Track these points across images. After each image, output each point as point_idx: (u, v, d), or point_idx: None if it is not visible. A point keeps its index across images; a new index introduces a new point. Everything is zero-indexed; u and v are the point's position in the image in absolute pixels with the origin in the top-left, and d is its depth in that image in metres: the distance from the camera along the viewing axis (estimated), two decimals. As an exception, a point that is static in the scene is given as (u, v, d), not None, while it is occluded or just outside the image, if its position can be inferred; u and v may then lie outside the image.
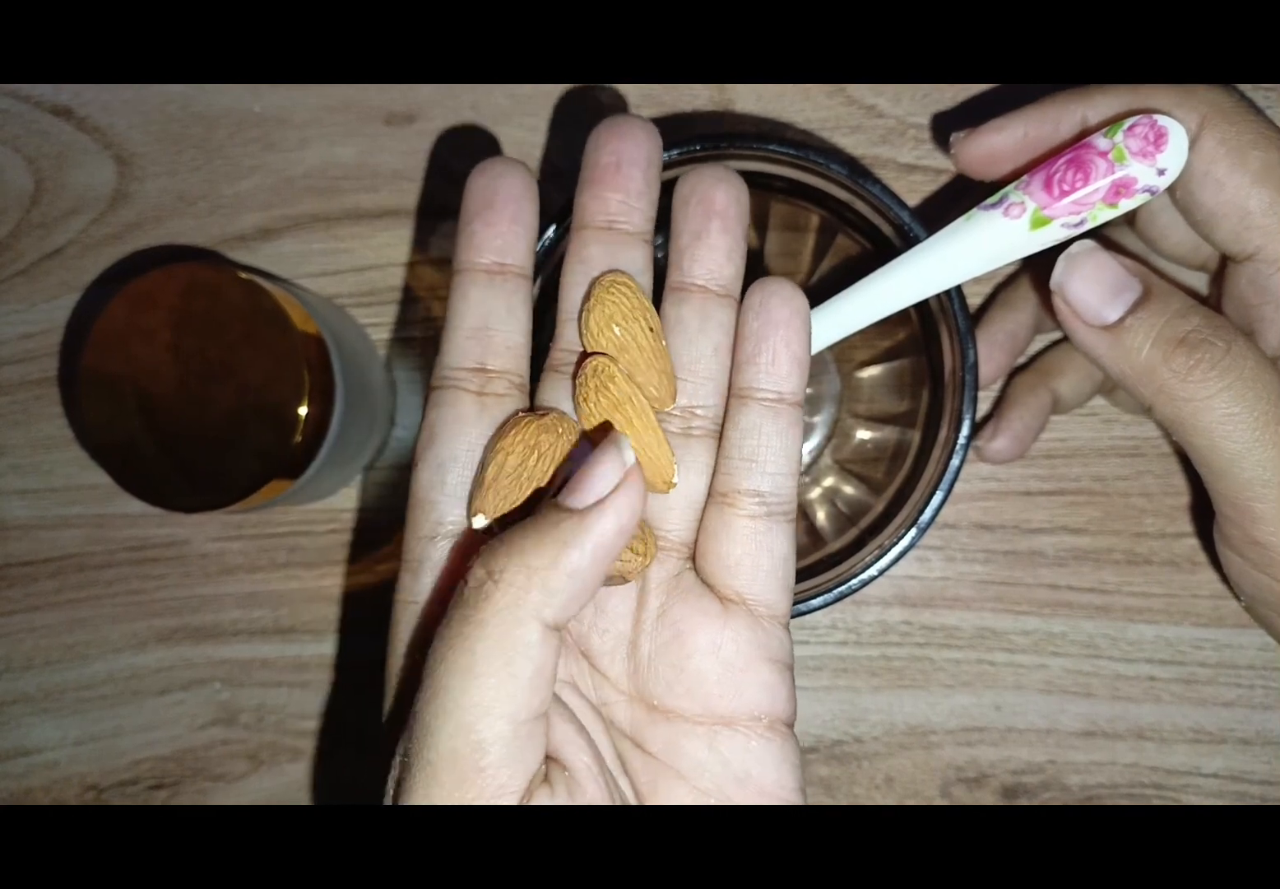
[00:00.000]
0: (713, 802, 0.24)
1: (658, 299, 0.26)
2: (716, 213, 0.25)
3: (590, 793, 0.23)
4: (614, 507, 0.22)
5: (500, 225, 0.25)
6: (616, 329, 0.25)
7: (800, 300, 0.25)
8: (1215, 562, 0.32)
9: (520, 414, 0.25)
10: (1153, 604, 0.36)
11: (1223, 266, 0.29)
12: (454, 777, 0.21)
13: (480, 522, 0.24)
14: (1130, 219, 0.31)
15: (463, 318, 0.25)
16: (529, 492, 0.24)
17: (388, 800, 0.22)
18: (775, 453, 0.25)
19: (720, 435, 0.25)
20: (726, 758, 0.24)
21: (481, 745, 0.21)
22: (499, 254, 0.25)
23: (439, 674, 0.22)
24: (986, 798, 0.36)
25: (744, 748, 0.24)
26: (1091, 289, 0.27)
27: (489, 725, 0.21)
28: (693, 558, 0.26)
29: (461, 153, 0.37)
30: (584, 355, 0.25)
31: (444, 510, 0.25)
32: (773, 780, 0.24)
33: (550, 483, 0.24)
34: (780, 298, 0.25)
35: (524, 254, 0.25)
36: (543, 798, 0.22)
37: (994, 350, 0.33)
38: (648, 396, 0.25)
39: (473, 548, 0.24)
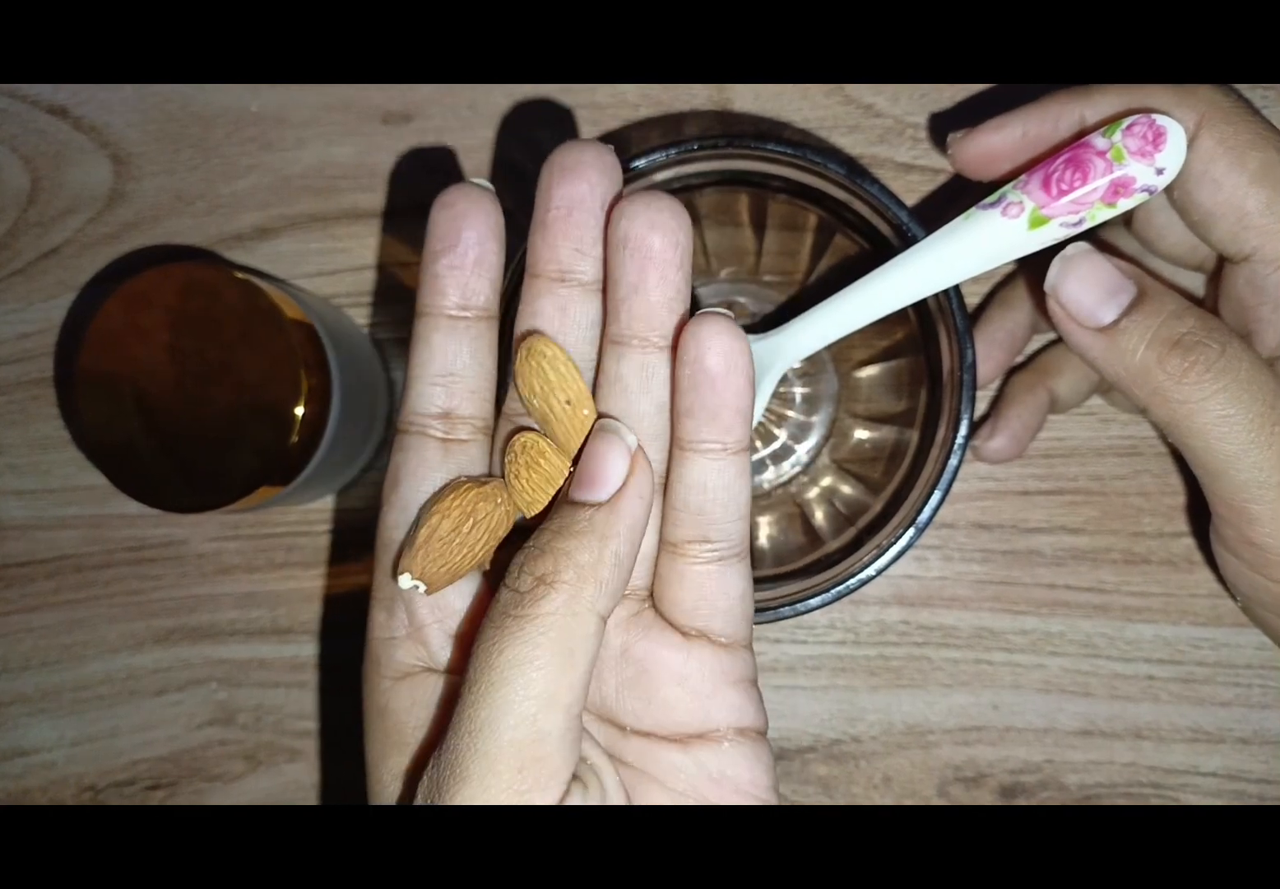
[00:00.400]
0: (690, 802, 0.24)
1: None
2: (653, 262, 0.23)
3: (608, 786, 0.24)
4: (635, 490, 0.23)
5: (465, 268, 0.24)
6: (536, 401, 0.24)
7: (738, 348, 0.23)
8: (1212, 562, 0.32)
9: (462, 478, 0.24)
10: (1151, 603, 0.36)
11: (1220, 267, 0.29)
12: (513, 765, 0.22)
13: (406, 581, 0.24)
14: (1127, 220, 0.31)
15: (426, 364, 0.25)
16: (458, 557, 0.24)
17: (422, 801, 0.22)
18: (723, 505, 0.24)
19: (664, 485, 0.25)
20: (701, 761, 0.25)
21: (542, 735, 0.22)
22: (463, 297, 0.25)
23: (499, 667, 0.22)
24: (984, 797, 0.36)
25: (717, 751, 0.25)
26: (1086, 291, 0.27)
27: (550, 716, 0.22)
28: (650, 598, 0.26)
29: (459, 153, 0.37)
30: (513, 431, 0.25)
31: (404, 555, 0.25)
32: (747, 779, 0.25)
33: (484, 551, 0.25)
34: (716, 351, 0.23)
35: (489, 296, 0.25)
36: (576, 790, 0.23)
37: (992, 350, 0.33)
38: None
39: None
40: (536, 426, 0.25)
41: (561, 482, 0.24)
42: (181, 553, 0.37)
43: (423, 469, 0.25)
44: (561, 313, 0.25)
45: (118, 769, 0.38)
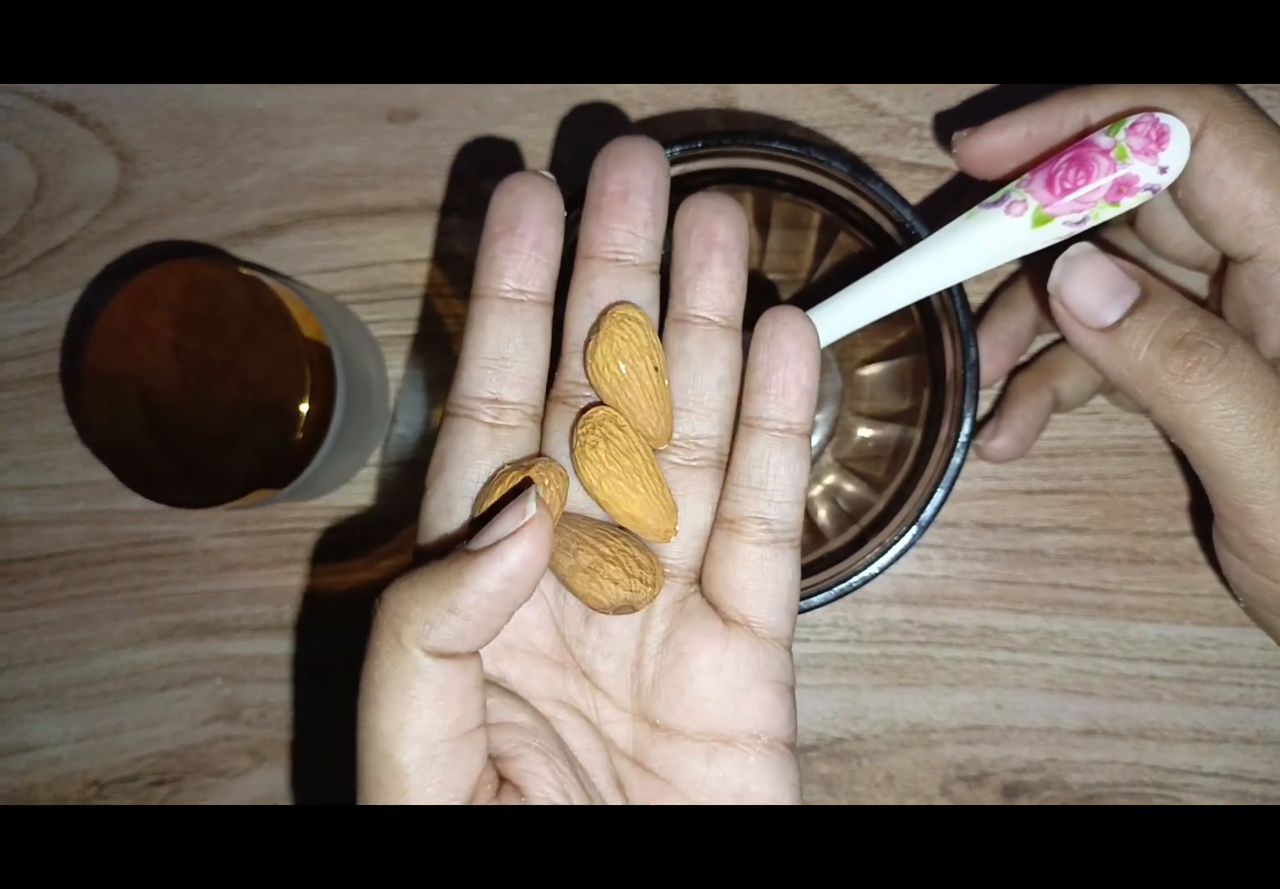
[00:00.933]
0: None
1: (661, 325, 0.26)
2: (718, 245, 0.25)
3: (599, 786, 0.24)
4: (502, 552, 0.22)
5: (522, 251, 0.25)
6: (622, 366, 0.25)
7: (809, 332, 0.25)
8: (1215, 562, 0.32)
9: (506, 467, 0.25)
10: (1154, 603, 0.36)
11: (1224, 267, 0.29)
12: (390, 797, 0.23)
13: None
14: (1131, 220, 0.31)
15: (479, 347, 0.25)
16: None
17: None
18: (782, 482, 0.25)
19: (727, 463, 0.26)
20: (724, 773, 0.25)
21: (400, 771, 0.23)
22: (519, 281, 0.25)
23: (358, 709, 0.23)
24: (987, 796, 0.36)
25: (742, 764, 0.25)
26: (1089, 291, 0.27)
27: (403, 750, 0.23)
28: (698, 581, 0.26)
29: (464, 151, 0.37)
30: (585, 407, 0.26)
31: (443, 537, 0.25)
32: (769, 796, 0.25)
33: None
34: (790, 330, 0.25)
35: (545, 282, 0.25)
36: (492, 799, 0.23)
37: (996, 350, 0.33)
38: (645, 435, 0.25)
39: None
40: (596, 402, 0.26)
41: (635, 456, 0.25)
42: (186, 549, 0.38)
43: (469, 455, 0.25)
44: (618, 291, 0.25)
45: (122, 765, 0.38)
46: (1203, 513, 0.36)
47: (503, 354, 0.25)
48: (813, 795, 0.37)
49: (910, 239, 0.28)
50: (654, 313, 0.26)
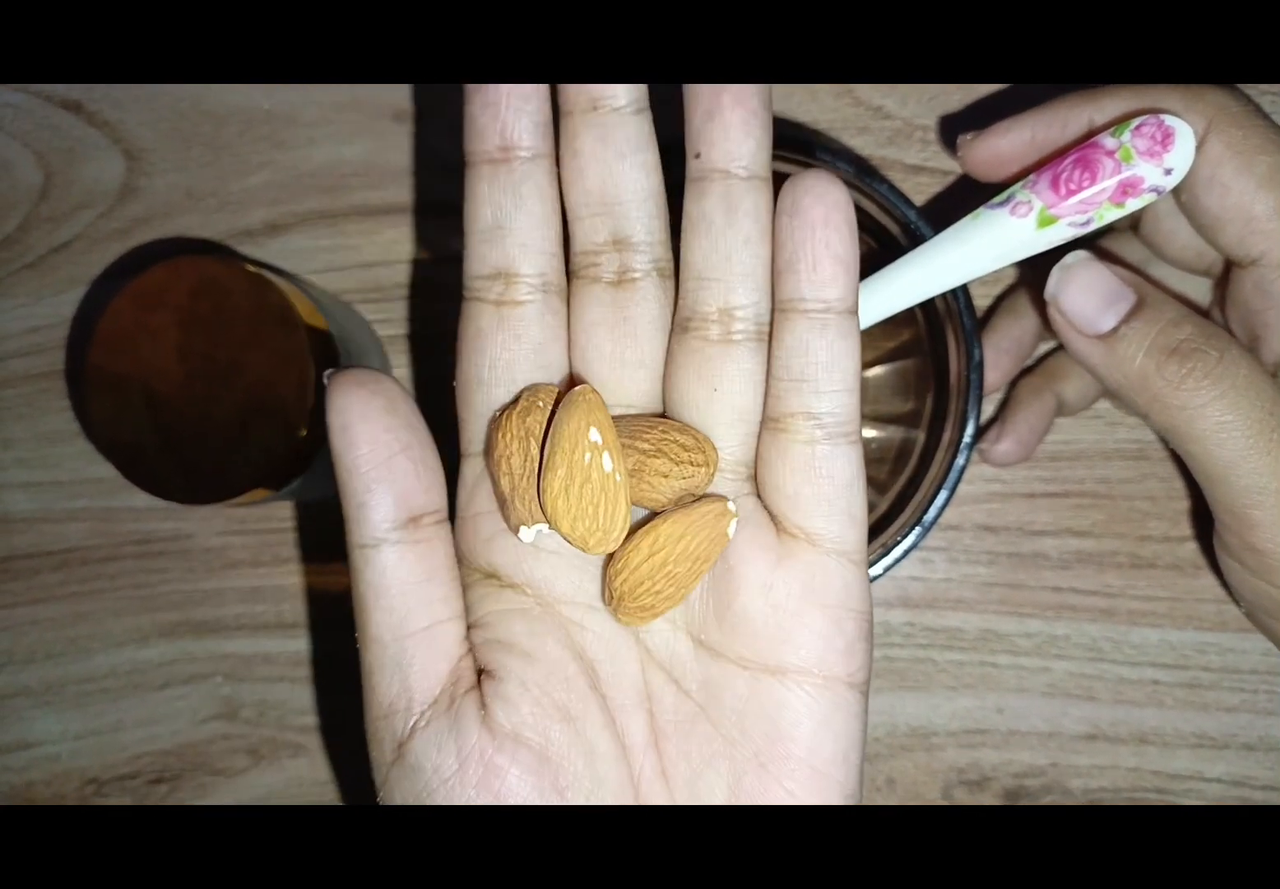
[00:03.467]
0: (736, 753, 0.23)
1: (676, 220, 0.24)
2: (727, 90, 0.22)
3: (525, 711, 0.22)
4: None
5: (499, 105, 0.23)
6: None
7: (837, 192, 0.22)
8: (1217, 567, 0.32)
9: (495, 415, 0.24)
10: (1156, 608, 0.36)
11: (1227, 272, 0.29)
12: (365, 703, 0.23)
13: (528, 534, 0.23)
14: (1134, 225, 0.31)
15: (473, 219, 0.24)
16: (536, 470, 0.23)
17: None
18: (827, 370, 0.22)
19: (768, 352, 0.23)
20: (764, 709, 0.22)
21: (368, 669, 0.23)
22: (502, 138, 0.23)
23: None
24: (988, 800, 0.36)
25: (782, 702, 0.22)
26: (1086, 299, 0.27)
27: (369, 654, 0.23)
28: (754, 478, 0.24)
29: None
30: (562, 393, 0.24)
31: (474, 430, 0.24)
32: (806, 746, 0.22)
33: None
34: (814, 194, 0.22)
35: (531, 134, 0.23)
36: (440, 715, 0.23)
37: (1000, 356, 0.33)
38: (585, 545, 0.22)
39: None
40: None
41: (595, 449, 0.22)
42: (188, 547, 0.37)
43: (479, 341, 0.24)
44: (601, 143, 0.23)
45: (121, 763, 0.38)
46: (1205, 518, 0.36)
47: (497, 222, 0.23)
48: (813, 799, 0.36)
49: (915, 240, 0.28)
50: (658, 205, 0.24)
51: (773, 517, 0.23)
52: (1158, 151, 0.25)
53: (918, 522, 0.28)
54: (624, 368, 0.24)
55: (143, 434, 0.32)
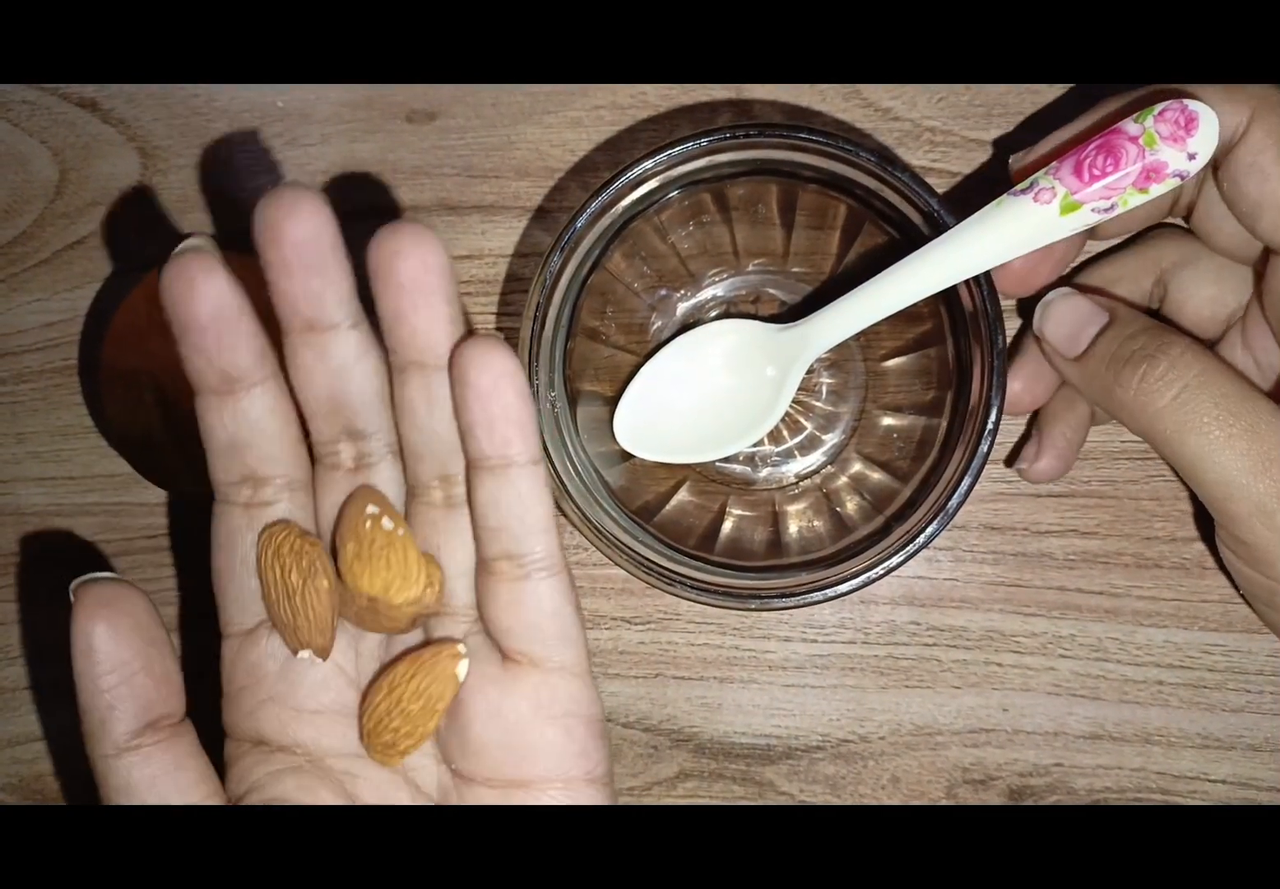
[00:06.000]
0: None
1: None
2: (404, 289, 0.23)
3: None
4: None
5: (206, 344, 0.24)
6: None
7: (504, 361, 0.23)
8: (1223, 567, 0.32)
9: (269, 525, 0.25)
10: (1162, 608, 0.36)
11: (1265, 259, 0.29)
12: None
13: (306, 655, 0.26)
14: (1186, 214, 0.31)
15: (211, 440, 0.25)
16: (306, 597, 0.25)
17: None
18: (519, 517, 0.24)
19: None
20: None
21: None
22: (220, 377, 0.24)
23: None
24: (992, 800, 0.36)
25: (538, 802, 0.24)
26: (1063, 326, 0.29)
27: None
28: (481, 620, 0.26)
29: (481, 150, 0.37)
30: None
31: (230, 614, 0.26)
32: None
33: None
34: (479, 366, 0.23)
35: (249, 361, 0.24)
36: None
37: (1031, 382, 0.32)
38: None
39: None
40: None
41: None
42: (198, 542, 0.38)
43: (231, 537, 0.26)
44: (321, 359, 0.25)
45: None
46: (1208, 518, 0.36)
47: (233, 442, 0.25)
48: (818, 796, 0.37)
49: (938, 228, 0.28)
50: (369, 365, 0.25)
51: (499, 648, 0.25)
52: (1181, 136, 0.25)
53: (941, 509, 0.28)
54: None
55: (154, 430, 0.32)
